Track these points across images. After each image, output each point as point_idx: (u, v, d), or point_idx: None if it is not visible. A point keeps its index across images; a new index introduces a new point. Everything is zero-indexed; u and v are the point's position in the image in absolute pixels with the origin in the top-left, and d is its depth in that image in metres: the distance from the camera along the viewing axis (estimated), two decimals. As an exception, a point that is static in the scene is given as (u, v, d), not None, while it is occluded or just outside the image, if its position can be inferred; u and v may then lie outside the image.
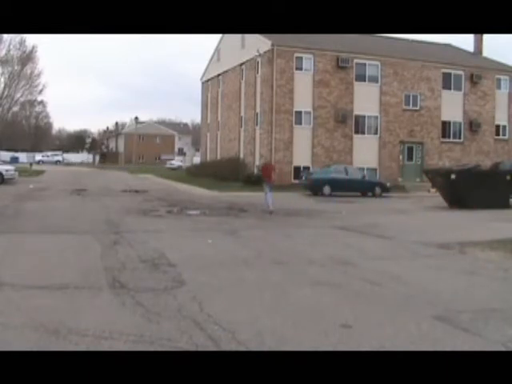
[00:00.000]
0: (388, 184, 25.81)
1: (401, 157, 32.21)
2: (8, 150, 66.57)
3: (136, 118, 58.05)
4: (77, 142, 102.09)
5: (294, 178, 28.85)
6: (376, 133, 31.53)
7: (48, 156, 73.55)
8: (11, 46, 50.47)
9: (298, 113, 29.89)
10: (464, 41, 75.09)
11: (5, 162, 38.13)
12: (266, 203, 16.19)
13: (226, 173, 31.16)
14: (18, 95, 53.62)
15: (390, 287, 6.57)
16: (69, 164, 69.87)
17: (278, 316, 5.19)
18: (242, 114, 33.94)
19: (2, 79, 51.19)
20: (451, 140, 33.33)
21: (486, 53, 38.42)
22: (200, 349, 4.22)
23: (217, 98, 38.74)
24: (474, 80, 33.31)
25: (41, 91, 55.75)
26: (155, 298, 5.75)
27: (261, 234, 11.28)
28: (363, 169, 28.85)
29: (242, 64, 33.90)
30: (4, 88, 51.05)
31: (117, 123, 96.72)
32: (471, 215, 16.15)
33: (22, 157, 65.61)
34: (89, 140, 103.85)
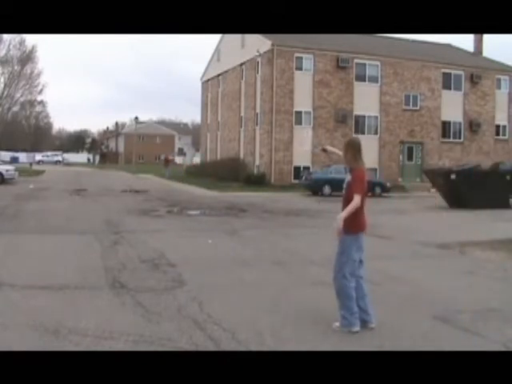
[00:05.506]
0: (388, 184, 25.79)
1: (401, 157, 32.20)
2: (8, 150, 66.54)
3: (136, 118, 57.85)
4: (77, 142, 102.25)
5: (294, 178, 28.86)
6: (376, 133, 31.52)
7: (48, 156, 73.56)
8: (11, 46, 50.53)
9: (298, 113, 29.88)
10: (464, 41, 75.34)
11: (5, 162, 38.13)
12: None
13: (226, 173, 31.17)
14: (18, 95, 53.71)
15: (389, 287, 6.57)
16: (69, 164, 69.85)
17: (278, 316, 5.19)
18: (242, 114, 33.93)
19: (2, 79, 51.25)
20: (451, 140, 33.32)
21: (486, 53, 38.45)
22: (200, 349, 4.22)
23: (217, 98, 38.74)
24: (474, 80, 33.31)
25: (41, 91, 55.86)
26: (155, 298, 5.75)
27: (261, 234, 11.27)
28: (363, 169, 28.79)
29: (242, 64, 33.90)
30: (4, 88, 51.09)
31: (117, 123, 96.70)
32: (471, 215, 16.15)
33: (22, 157, 65.57)
34: (89, 140, 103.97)
